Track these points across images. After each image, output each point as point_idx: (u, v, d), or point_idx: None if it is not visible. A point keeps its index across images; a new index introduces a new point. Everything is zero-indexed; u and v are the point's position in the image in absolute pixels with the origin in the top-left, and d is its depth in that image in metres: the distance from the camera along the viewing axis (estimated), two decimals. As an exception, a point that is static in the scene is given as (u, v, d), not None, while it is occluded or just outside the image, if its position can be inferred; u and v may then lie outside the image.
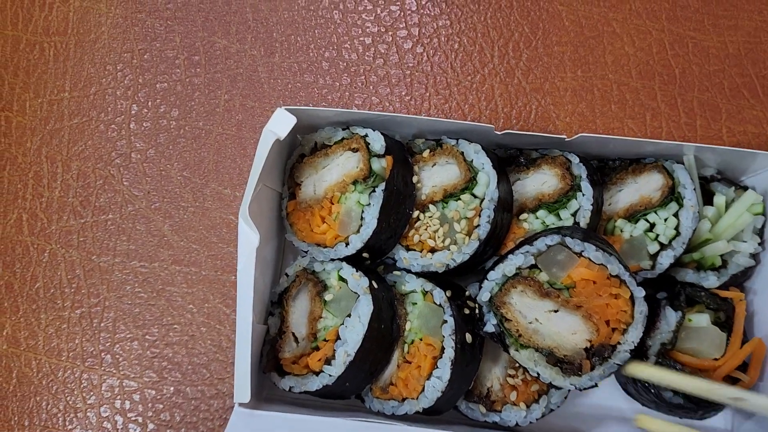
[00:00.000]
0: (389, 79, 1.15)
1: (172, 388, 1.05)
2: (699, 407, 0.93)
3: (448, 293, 0.94)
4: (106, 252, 1.11)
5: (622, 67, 1.14)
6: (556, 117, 1.12)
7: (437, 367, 0.90)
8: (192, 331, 1.07)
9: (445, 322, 0.91)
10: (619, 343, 0.85)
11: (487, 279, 0.89)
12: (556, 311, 0.86)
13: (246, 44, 1.18)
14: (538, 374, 0.87)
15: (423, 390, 0.90)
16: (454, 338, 0.90)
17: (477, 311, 0.92)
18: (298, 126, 1.01)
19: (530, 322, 0.87)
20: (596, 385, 0.87)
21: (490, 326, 0.89)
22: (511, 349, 0.88)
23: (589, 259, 0.85)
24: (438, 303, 0.93)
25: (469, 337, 0.91)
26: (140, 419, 1.05)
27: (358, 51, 1.16)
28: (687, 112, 1.12)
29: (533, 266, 0.88)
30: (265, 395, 0.99)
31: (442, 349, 0.90)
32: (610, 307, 0.85)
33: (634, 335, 0.85)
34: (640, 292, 0.85)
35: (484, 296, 0.90)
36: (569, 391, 0.94)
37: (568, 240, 0.87)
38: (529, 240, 0.89)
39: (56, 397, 1.06)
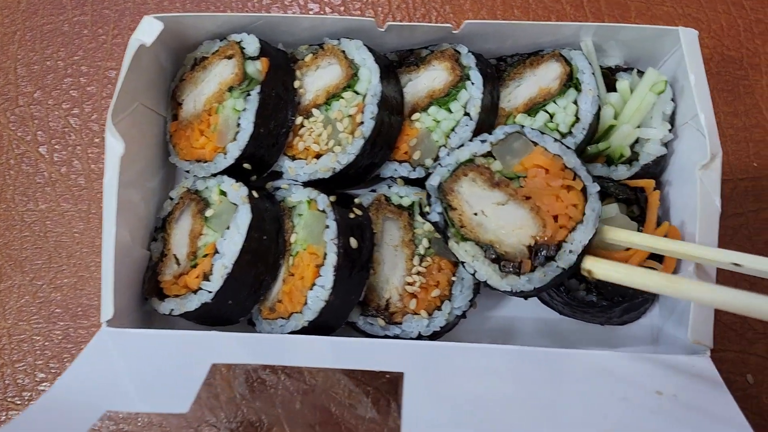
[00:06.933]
0: (281, 6, 1.10)
1: (60, 333, 0.98)
2: (613, 303, 0.86)
3: (332, 198, 0.88)
4: (-8, 199, 1.05)
5: (524, -30, 1.09)
6: (456, 25, 1.06)
7: (320, 276, 0.83)
8: (81, 272, 1.00)
9: (328, 227, 0.85)
10: (564, 241, 0.77)
11: (440, 164, 0.85)
12: (504, 204, 0.81)
13: (134, -22, 1.13)
14: (475, 271, 0.80)
15: (306, 302, 0.83)
16: (336, 243, 0.83)
17: (426, 198, 0.85)
18: (180, 47, 0.96)
19: (476, 213, 0.81)
20: (534, 292, 0.79)
21: (435, 215, 0.83)
22: (451, 241, 0.82)
23: (545, 148, 0.82)
24: (321, 209, 0.87)
25: (354, 242, 0.84)
26: (28, 369, 0.97)
27: (247, -23, 1.12)
28: (594, 12, 1.06)
29: (488, 155, 0.84)
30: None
31: (325, 256, 0.84)
32: (560, 200, 0.79)
33: (582, 235, 0.76)
34: (594, 187, 0.79)
35: (433, 181, 0.84)
36: (474, 294, 0.87)
37: (527, 130, 0.84)
38: (490, 130, 0.87)
39: (-60, 352, 0.99)
